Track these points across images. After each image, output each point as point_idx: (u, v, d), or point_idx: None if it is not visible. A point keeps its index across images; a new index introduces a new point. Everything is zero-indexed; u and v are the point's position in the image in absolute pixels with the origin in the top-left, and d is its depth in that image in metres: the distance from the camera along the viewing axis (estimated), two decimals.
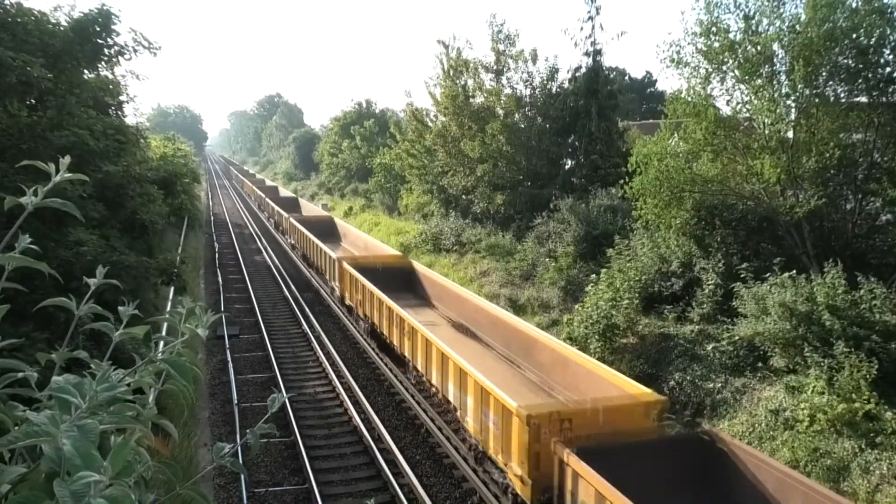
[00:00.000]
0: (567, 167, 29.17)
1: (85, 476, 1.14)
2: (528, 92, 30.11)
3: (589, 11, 27.21)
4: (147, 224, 18.34)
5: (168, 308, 19.77)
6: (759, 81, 15.59)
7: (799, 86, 15.00)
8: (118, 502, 1.15)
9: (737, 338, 14.15)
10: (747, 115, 16.39)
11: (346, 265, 22.39)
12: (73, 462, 1.16)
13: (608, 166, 26.12)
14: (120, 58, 16.45)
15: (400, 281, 22.26)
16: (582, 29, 27.43)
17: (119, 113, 19.33)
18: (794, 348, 12.86)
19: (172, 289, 19.16)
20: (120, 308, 1.72)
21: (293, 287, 27.43)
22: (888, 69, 15.22)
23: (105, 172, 14.61)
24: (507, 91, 30.02)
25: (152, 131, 36.42)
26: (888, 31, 14.81)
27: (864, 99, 15.63)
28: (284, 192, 60.85)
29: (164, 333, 1.77)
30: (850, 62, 15.22)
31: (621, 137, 28.16)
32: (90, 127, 14.27)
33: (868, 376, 11.32)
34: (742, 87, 16.17)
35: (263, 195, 53.59)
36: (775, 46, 15.42)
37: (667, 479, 9.07)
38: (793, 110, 15.79)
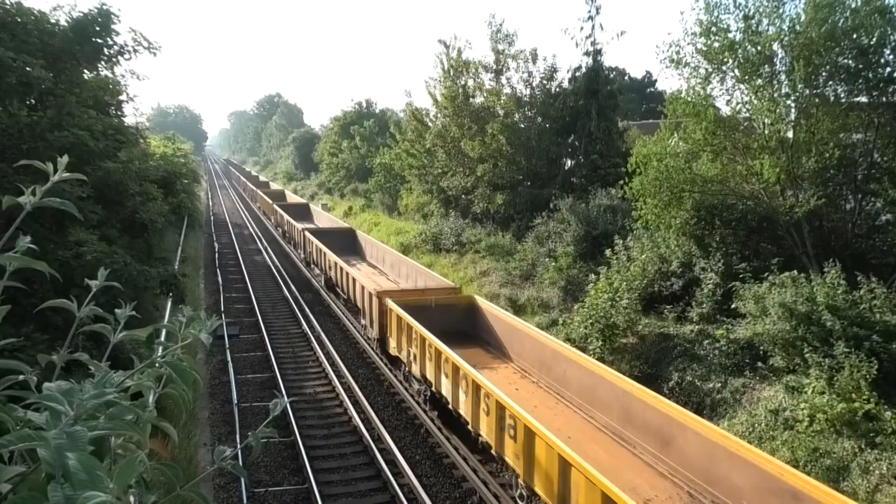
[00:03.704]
0: (567, 167, 29.17)
1: (93, 497, 1.14)
2: (527, 92, 30.12)
3: (589, 11, 27.23)
4: (147, 224, 18.33)
5: (168, 310, 19.76)
6: (759, 81, 15.59)
7: (799, 86, 14.99)
8: None
9: (733, 336, 14.15)
10: (747, 115, 16.38)
11: None
12: (79, 477, 1.16)
13: (608, 166, 26.13)
14: (120, 58, 16.46)
15: None
16: (582, 29, 27.46)
17: (119, 113, 19.33)
18: (793, 348, 12.86)
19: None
20: (117, 311, 1.71)
21: (293, 287, 27.43)
22: (888, 69, 15.22)
23: (105, 170, 14.61)
24: (507, 91, 30.03)
25: (152, 131, 36.40)
26: (888, 31, 14.80)
27: (864, 99, 15.62)
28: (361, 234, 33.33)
29: (164, 338, 1.77)
30: (851, 62, 15.21)
31: (621, 137, 28.16)
32: (90, 127, 14.27)
33: (868, 376, 11.32)
34: (742, 87, 16.17)
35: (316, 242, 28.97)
36: (775, 46, 15.41)
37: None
38: (793, 110, 15.79)
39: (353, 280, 21.57)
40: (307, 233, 31.21)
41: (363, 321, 20.39)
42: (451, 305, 17.90)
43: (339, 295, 24.96)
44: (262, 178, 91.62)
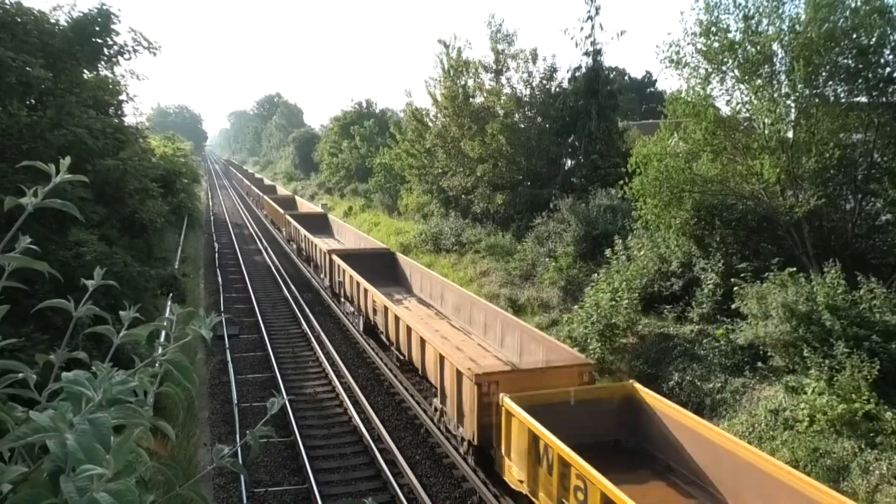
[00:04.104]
0: (567, 167, 29.18)
1: (88, 469, 1.15)
2: (527, 92, 30.13)
3: (589, 11, 27.25)
4: (146, 223, 18.33)
5: (168, 309, 19.76)
6: (759, 81, 15.59)
7: (799, 86, 15.00)
8: (122, 496, 1.16)
9: (734, 337, 14.15)
10: (747, 115, 16.39)
11: None
12: (77, 457, 1.17)
13: (608, 166, 26.14)
14: (119, 58, 16.46)
15: None
16: (582, 29, 27.47)
17: (119, 112, 19.33)
18: (793, 348, 12.86)
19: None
20: (122, 312, 1.72)
21: (293, 287, 27.43)
22: (888, 69, 15.22)
23: (104, 167, 14.61)
24: (507, 91, 30.04)
25: (152, 131, 36.40)
26: (888, 31, 14.81)
27: (864, 99, 15.63)
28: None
29: (163, 336, 1.78)
30: (850, 62, 15.22)
31: (621, 137, 28.18)
32: (89, 126, 14.28)
33: (869, 377, 11.33)
34: (742, 87, 16.17)
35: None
36: (775, 46, 15.42)
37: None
38: (793, 110, 15.79)
39: (422, 342, 14.79)
40: (335, 257, 23.90)
41: (438, 403, 13.98)
42: (596, 401, 11.50)
43: (387, 347, 18.34)
44: (266, 180, 79.15)
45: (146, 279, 14.27)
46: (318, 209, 44.89)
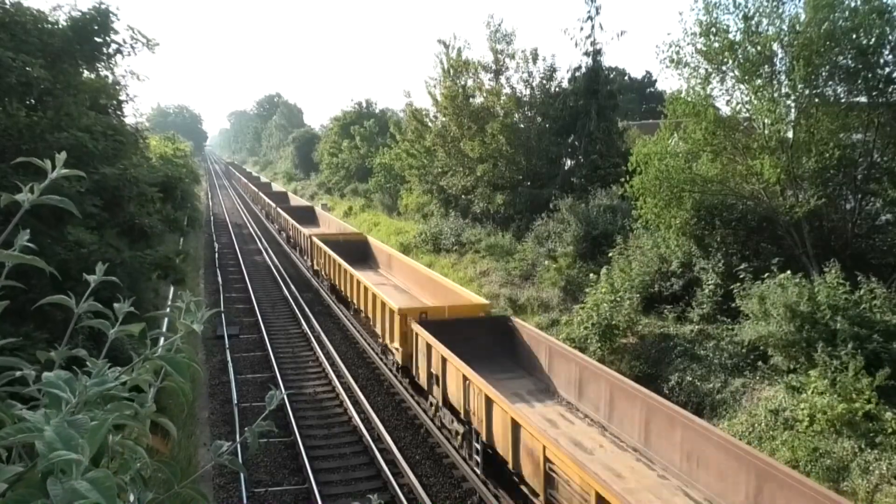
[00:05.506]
0: (567, 167, 29.18)
1: (62, 455, 1.14)
2: (527, 92, 30.14)
3: (589, 11, 27.26)
4: (146, 228, 18.27)
5: (171, 299, 19.74)
6: (759, 81, 15.59)
7: (799, 86, 14.99)
8: (99, 483, 1.16)
9: (738, 339, 14.12)
10: (747, 115, 16.38)
11: None
12: (54, 446, 1.17)
13: (608, 166, 26.15)
14: (118, 56, 16.42)
15: None
16: (582, 29, 27.50)
17: (118, 113, 19.27)
18: (796, 348, 12.84)
19: (172, 288, 19.11)
20: (115, 305, 1.71)
21: (293, 287, 27.42)
22: (888, 69, 15.22)
23: (102, 175, 14.57)
24: (507, 91, 30.04)
25: (152, 131, 36.23)
26: (888, 31, 14.81)
27: (863, 99, 15.63)
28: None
29: (164, 330, 1.76)
30: (850, 62, 15.21)
31: (621, 137, 28.19)
32: (89, 128, 14.23)
33: (874, 383, 11.29)
34: (742, 87, 16.17)
35: None
36: (775, 46, 15.42)
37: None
38: (793, 110, 15.78)
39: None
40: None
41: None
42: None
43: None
44: (293, 196, 55.54)
45: (140, 262, 14.24)
46: (434, 273, 22.32)
